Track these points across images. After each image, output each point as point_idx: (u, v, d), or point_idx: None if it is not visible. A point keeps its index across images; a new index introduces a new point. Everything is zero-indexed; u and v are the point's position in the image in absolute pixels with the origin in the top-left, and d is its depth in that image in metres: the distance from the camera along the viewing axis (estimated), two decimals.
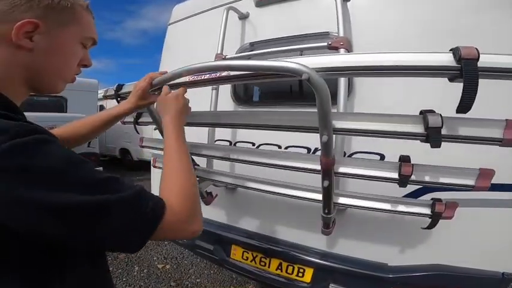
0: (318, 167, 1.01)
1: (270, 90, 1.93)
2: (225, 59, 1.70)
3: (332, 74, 0.81)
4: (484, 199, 1.31)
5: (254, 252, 1.87)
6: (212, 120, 1.31)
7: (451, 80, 0.71)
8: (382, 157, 1.41)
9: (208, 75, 1.00)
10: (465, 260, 1.38)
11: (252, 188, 1.44)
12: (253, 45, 1.79)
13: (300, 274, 1.74)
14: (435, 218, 1.04)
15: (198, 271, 3.06)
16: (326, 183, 1.02)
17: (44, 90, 0.68)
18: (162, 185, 0.68)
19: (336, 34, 1.40)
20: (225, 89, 1.83)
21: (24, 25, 0.58)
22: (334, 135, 0.93)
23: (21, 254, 0.51)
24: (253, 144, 1.79)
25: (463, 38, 1.23)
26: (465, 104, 0.67)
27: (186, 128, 0.87)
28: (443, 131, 0.77)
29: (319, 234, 1.35)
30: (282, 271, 1.79)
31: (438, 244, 1.41)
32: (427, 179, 0.93)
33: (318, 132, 0.88)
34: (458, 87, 0.68)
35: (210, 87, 1.68)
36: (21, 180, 0.45)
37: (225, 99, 1.84)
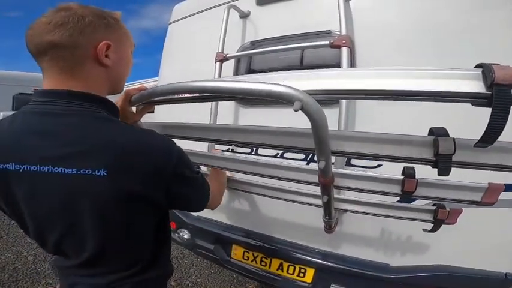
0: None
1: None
2: (225, 59, 1.69)
3: (332, 97, 0.72)
4: None
5: (255, 252, 1.87)
6: (203, 135, 1.13)
7: (476, 104, 0.55)
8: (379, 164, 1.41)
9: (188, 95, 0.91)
10: (468, 260, 1.37)
11: (252, 192, 1.46)
12: (254, 44, 1.78)
13: (301, 274, 1.73)
14: (438, 224, 1.03)
15: (198, 271, 3.06)
16: (325, 198, 1.01)
17: (117, 92, 0.87)
18: (210, 178, 1.11)
19: (338, 32, 1.39)
20: None
21: (103, 47, 0.73)
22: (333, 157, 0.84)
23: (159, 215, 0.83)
24: (252, 149, 1.79)
25: (466, 37, 1.23)
26: (491, 137, 0.54)
27: None
28: (455, 158, 0.66)
29: (320, 234, 1.35)
30: (282, 271, 1.79)
31: (440, 244, 1.40)
32: (430, 194, 0.88)
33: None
34: None
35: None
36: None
37: (226, 103, 1.82)
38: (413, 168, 0.86)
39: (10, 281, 2.78)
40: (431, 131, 0.72)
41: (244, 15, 1.85)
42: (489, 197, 0.81)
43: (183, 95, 0.91)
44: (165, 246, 0.94)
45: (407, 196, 0.89)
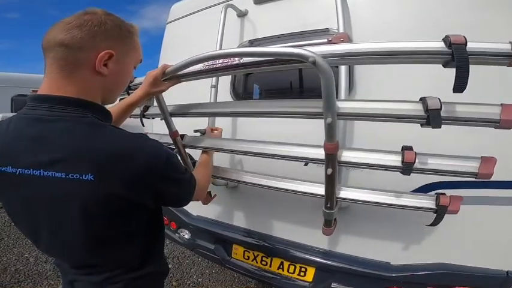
0: (322, 155, 1.01)
1: (270, 88, 1.91)
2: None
3: (335, 60, 0.86)
4: (488, 197, 1.30)
5: (255, 252, 1.87)
6: (213, 109, 1.41)
7: (445, 65, 0.77)
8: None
9: (219, 64, 1.05)
10: (469, 258, 1.36)
11: (250, 183, 1.42)
12: (252, 43, 1.77)
13: (302, 273, 1.73)
14: (440, 212, 1.01)
15: (199, 270, 3.06)
16: (330, 171, 1.01)
17: (109, 103, 0.85)
18: (196, 171, 1.14)
19: (336, 30, 1.38)
20: (224, 87, 1.82)
21: (104, 55, 0.74)
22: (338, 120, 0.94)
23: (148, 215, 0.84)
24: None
25: (464, 33, 1.23)
26: (460, 85, 0.72)
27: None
28: (443, 114, 0.80)
29: (320, 233, 1.34)
30: (283, 270, 1.79)
31: (442, 242, 1.40)
32: (430, 166, 0.93)
33: (320, 117, 0.91)
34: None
35: (209, 85, 1.67)
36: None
37: (224, 97, 1.82)
38: (411, 146, 0.96)
39: (12, 282, 2.78)
40: (421, 98, 0.85)
41: (241, 14, 1.84)
42: (485, 168, 0.86)
43: (214, 66, 1.06)
44: (158, 243, 0.96)
45: (408, 168, 0.93)
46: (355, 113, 0.92)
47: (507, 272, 1.31)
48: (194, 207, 2.08)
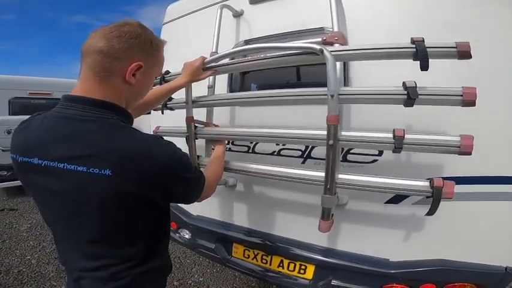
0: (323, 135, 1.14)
1: (267, 86, 1.91)
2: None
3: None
4: (487, 192, 1.30)
5: (255, 250, 1.88)
6: (227, 99, 1.60)
7: (415, 59, 1.03)
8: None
9: (245, 62, 1.39)
10: (468, 254, 1.37)
11: (250, 171, 1.47)
12: (248, 43, 1.77)
13: (302, 271, 1.74)
14: (436, 195, 1.03)
15: (200, 270, 3.07)
16: (331, 142, 1.12)
17: (129, 107, 0.91)
18: (207, 169, 1.22)
19: (331, 29, 1.38)
20: (221, 86, 1.82)
21: (134, 67, 0.82)
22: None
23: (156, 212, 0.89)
24: (248, 147, 1.80)
25: (459, 31, 1.24)
26: (424, 63, 1.00)
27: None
28: (418, 91, 1.03)
29: (319, 231, 1.34)
30: (283, 268, 1.80)
31: (440, 239, 1.40)
32: (417, 141, 1.07)
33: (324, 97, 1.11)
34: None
35: (206, 86, 1.66)
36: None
37: None
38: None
39: (15, 284, 2.80)
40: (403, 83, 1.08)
41: (237, 14, 1.84)
42: (466, 140, 1.00)
43: (243, 63, 1.39)
44: (165, 238, 1.02)
45: (399, 142, 1.07)
46: (351, 93, 1.16)
47: (506, 268, 1.32)
48: (194, 208, 2.08)
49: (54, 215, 0.87)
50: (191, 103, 1.59)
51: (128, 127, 0.82)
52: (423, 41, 1.02)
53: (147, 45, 0.85)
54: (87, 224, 0.81)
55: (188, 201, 1.01)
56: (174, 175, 0.84)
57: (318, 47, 1.11)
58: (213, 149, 1.51)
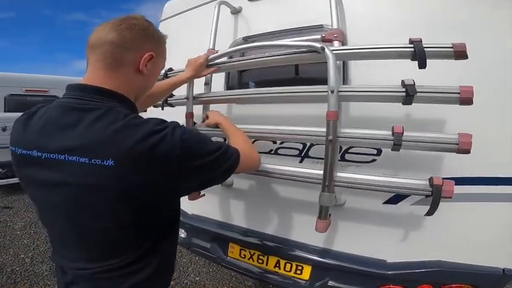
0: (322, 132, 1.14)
1: (265, 83, 1.89)
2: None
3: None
4: (484, 193, 1.29)
5: (251, 250, 1.86)
6: (227, 95, 1.62)
7: (413, 59, 1.06)
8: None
9: (247, 59, 1.41)
10: (465, 256, 1.36)
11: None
12: (246, 40, 1.75)
13: (298, 271, 1.72)
14: (436, 194, 1.02)
15: (196, 269, 3.05)
16: (330, 137, 1.11)
17: (138, 101, 0.92)
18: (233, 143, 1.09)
19: (330, 27, 1.36)
20: (218, 83, 1.80)
21: (148, 57, 0.83)
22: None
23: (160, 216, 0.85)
24: None
25: (459, 29, 1.23)
26: (422, 62, 1.03)
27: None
28: (416, 88, 1.04)
29: (316, 232, 1.33)
30: (280, 269, 1.78)
31: (437, 240, 1.39)
32: (416, 138, 1.07)
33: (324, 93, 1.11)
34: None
35: (202, 84, 1.65)
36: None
37: None
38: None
39: (9, 283, 2.77)
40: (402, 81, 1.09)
41: (235, 11, 1.82)
42: (464, 138, 1.00)
43: (247, 60, 1.42)
44: (171, 237, 0.96)
45: (398, 139, 1.07)
46: (350, 90, 1.17)
47: (503, 269, 1.31)
48: (190, 206, 2.06)
49: (53, 212, 0.81)
50: (192, 99, 1.60)
51: (133, 115, 0.77)
52: (421, 41, 1.04)
53: (156, 36, 0.88)
54: (89, 220, 0.77)
55: (220, 181, 0.91)
56: (185, 166, 0.77)
57: (319, 45, 1.12)
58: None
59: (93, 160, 0.69)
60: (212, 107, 1.68)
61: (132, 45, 0.81)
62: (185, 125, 1.54)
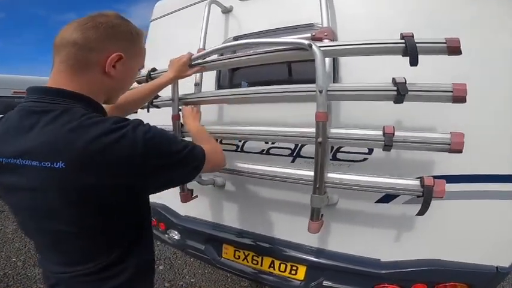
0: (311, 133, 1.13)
1: (256, 83, 1.88)
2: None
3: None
4: (477, 191, 1.29)
5: (246, 251, 1.85)
6: (215, 96, 1.55)
7: (404, 54, 1.02)
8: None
9: (233, 58, 1.35)
10: (459, 254, 1.36)
11: (240, 171, 1.44)
12: (237, 39, 1.74)
13: (293, 272, 1.72)
14: (427, 195, 1.02)
15: (192, 271, 3.03)
16: (320, 139, 1.10)
17: (111, 103, 0.90)
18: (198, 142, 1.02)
19: (320, 25, 1.35)
20: (209, 83, 1.79)
21: (114, 57, 0.78)
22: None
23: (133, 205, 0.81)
24: (237, 146, 1.77)
25: (449, 29, 1.23)
26: (413, 59, 0.99)
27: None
28: (408, 87, 1.02)
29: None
30: (274, 269, 1.77)
31: (431, 239, 1.39)
32: (407, 139, 1.06)
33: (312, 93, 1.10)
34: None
35: (192, 84, 1.63)
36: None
37: None
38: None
39: (1, 286, 2.74)
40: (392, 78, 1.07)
41: (226, 11, 1.80)
42: (457, 137, 0.99)
43: (229, 59, 1.36)
44: (145, 235, 0.91)
45: (388, 139, 1.06)
46: (340, 89, 1.14)
47: (497, 267, 1.31)
48: (182, 208, 2.04)
49: (25, 217, 0.80)
50: (177, 100, 1.56)
51: (91, 114, 0.72)
52: (413, 36, 1.01)
53: (126, 36, 0.82)
54: (55, 225, 0.74)
55: (185, 181, 0.98)
56: (157, 156, 0.74)
57: (306, 42, 1.09)
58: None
59: (42, 163, 0.66)
60: (202, 108, 1.66)
61: (97, 45, 0.76)
62: (172, 128, 1.56)
